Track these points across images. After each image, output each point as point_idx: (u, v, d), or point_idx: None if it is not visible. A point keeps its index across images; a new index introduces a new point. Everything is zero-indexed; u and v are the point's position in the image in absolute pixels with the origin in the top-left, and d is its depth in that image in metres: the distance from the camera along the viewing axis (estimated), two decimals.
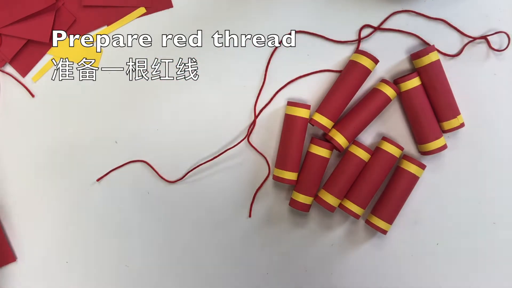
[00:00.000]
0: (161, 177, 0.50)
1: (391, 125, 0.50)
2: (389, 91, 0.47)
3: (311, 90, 0.50)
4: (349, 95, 0.47)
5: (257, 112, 0.50)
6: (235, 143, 0.49)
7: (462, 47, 0.50)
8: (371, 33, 0.49)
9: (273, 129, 0.50)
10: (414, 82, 0.47)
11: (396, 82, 0.48)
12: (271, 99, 0.50)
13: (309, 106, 0.47)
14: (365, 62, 0.47)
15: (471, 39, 0.50)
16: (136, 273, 0.50)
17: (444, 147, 0.48)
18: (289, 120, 0.47)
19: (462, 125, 0.48)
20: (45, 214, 0.50)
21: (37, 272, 0.50)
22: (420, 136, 0.48)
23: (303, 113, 0.47)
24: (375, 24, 0.50)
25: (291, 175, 0.47)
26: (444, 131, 0.48)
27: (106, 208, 0.50)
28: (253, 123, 0.49)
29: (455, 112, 0.47)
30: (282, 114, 0.49)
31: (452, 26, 0.49)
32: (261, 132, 0.50)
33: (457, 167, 0.50)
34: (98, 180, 0.50)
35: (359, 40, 0.49)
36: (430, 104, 0.48)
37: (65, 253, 0.50)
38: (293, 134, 0.47)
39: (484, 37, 0.49)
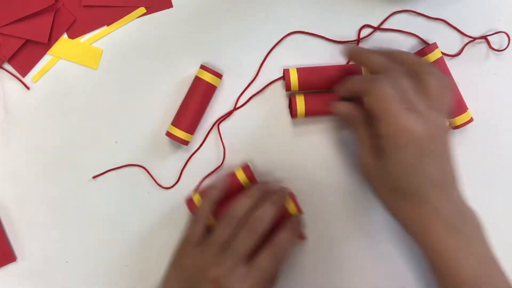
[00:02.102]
0: (158, 184, 0.50)
1: None
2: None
3: None
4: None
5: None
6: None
7: (462, 47, 0.50)
8: (371, 33, 0.49)
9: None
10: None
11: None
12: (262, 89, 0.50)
13: (221, 75, 0.47)
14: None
15: (471, 39, 0.49)
16: (136, 272, 0.50)
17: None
18: (197, 83, 0.47)
19: (471, 119, 0.48)
20: (45, 214, 0.50)
21: (37, 272, 0.50)
22: None
23: (212, 79, 0.47)
24: (375, 24, 0.50)
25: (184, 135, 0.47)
26: (455, 127, 0.48)
27: (106, 209, 0.50)
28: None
29: (464, 107, 0.48)
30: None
31: (452, 26, 0.49)
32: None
33: (456, 167, 0.50)
34: (94, 177, 0.50)
35: (358, 40, 0.49)
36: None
37: (65, 253, 0.50)
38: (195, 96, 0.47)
39: (484, 37, 0.49)
